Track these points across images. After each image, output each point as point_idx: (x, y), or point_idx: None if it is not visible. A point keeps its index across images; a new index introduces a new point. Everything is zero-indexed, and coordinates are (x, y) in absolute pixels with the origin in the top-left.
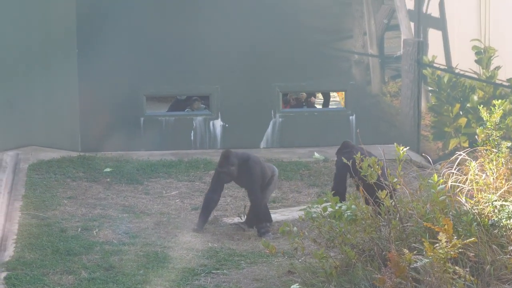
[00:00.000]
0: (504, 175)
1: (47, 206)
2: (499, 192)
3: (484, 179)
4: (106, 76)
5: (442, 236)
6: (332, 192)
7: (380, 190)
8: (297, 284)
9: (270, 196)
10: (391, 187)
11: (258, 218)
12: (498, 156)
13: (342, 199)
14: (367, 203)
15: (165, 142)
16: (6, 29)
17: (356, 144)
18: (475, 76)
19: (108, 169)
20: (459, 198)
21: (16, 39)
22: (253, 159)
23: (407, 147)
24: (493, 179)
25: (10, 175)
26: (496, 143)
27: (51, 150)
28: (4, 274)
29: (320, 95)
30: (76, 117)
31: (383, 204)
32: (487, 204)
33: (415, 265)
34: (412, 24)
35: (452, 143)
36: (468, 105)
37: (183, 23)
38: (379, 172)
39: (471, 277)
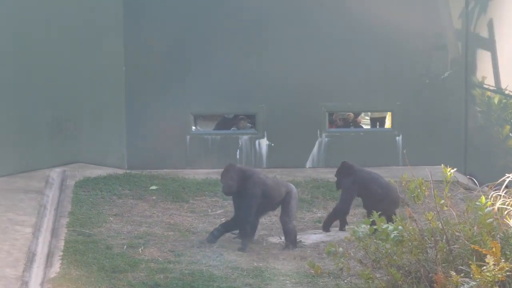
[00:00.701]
0: None
1: (93, 223)
2: None
3: None
4: (153, 94)
5: (489, 259)
6: (340, 211)
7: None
8: None
9: (294, 213)
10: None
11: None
12: None
13: (345, 216)
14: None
15: (211, 161)
16: (56, 48)
17: (402, 164)
18: None
19: (154, 187)
20: (506, 221)
21: (65, 58)
22: (255, 179)
23: (454, 169)
24: None
25: (56, 191)
26: None
27: (98, 167)
28: None
29: (367, 115)
30: (123, 134)
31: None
32: None
33: (462, 287)
34: (460, 44)
35: (500, 165)
36: None
37: (229, 41)
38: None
39: None
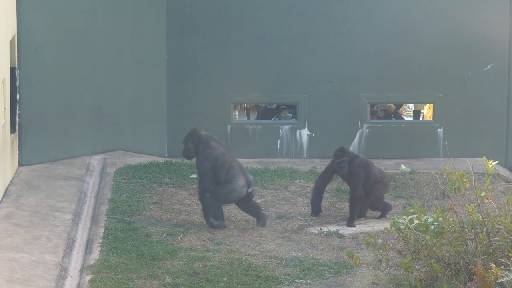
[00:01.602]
0: None
1: (133, 211)
2: None
3: None
4: (194, 82)
5: None
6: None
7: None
8: None
9: (228, 197)
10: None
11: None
12: None
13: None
14: None
15: (252, 150)
16: (98, 36)
17: (443, 156)
18: None
19: (194, 176)
20: None
21: (106, 46)
22: (208, 152)
23: (496, 161)
24: None
25: (97, 179)
26: None
27: (138, 155)
28: (89, 277)
29: (409, 107)
30: (164, 123)
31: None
32: None
33: (501, 280)
34: (503, 36)
35: None
36: None
37: (273, 31)
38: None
39: None
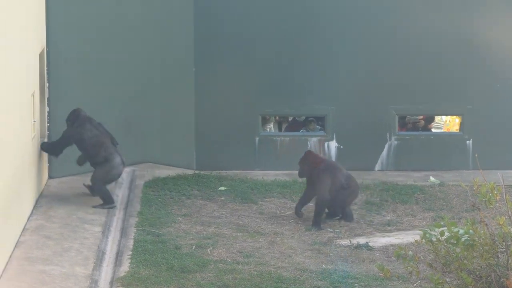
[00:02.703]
0: None
1: (162, 223)
2: None
3: None
4: (222, 95)
5: None
6: (325, 201)
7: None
8: None
9: (108, 175)
10: None
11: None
12: None
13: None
14: None
15: (280, 162)
16: (126, 49)
17: (473, 168)
18: None
19: (222, 188)
20: None
21: (136, 59)
22: (78, 130)
23: None
24: None
25: (126, 191)
26: None
27: (167, 168)
28: None
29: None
30: (192, 135)
31: None
32: None
33: None
34: None
35: None
36: None
37: (300, 43)
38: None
39: None
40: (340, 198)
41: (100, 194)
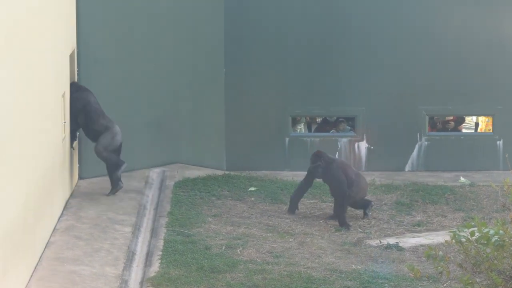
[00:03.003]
0: None
1: (192, 223)
2: None
3: None
4: (252, 95)
5: None
6: (346, 196)
7: None
8: None
9: (112, 142)
10: None
11: None
12: None
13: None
14: None
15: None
16: (157, 50)
17: (503, 169)
18: None
19: (252, 188)
20: None
21: (166, 60)
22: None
23: None
24: None
25: (156, 191)
26: None
27: (197, 168)
28: None
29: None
30: (222, 136)
31: None
32: None
33: None
34: None
35: None
36: None
37: (331, 44)
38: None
39: None
40: (350, 195)
41: (110, 160)
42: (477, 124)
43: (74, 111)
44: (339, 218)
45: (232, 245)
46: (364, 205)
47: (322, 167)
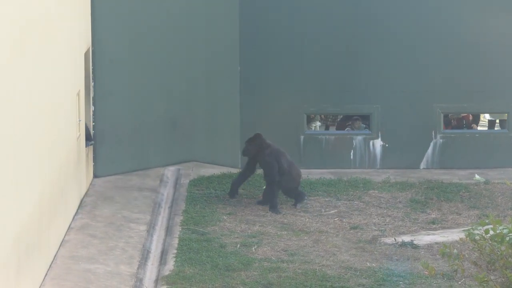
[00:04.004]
0: None
1: (207, 222)
2: None
3: None
4: (267, 94)
5: None
6: (276, 182)
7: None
8: None
9: None
10: None
11: None
12: None
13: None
14: None
15: (325, 161)
16: (171, 48)
17: None
18: None
19: None
20: None
21: (181, 58)
22: None
23: None
24: None
25: (171, 190)
26: None
27: (211, 166)
28: None
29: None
30: (237, 134)
31: None
32: None
33: None
34: None
35: None
36: None
37: (346, 42)
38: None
39: None
40: (283, 184)
41: None
42: (491, 122)
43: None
44: (271, 203)
45: (247, 243)
46: (297, 196)
47: (251, 150)
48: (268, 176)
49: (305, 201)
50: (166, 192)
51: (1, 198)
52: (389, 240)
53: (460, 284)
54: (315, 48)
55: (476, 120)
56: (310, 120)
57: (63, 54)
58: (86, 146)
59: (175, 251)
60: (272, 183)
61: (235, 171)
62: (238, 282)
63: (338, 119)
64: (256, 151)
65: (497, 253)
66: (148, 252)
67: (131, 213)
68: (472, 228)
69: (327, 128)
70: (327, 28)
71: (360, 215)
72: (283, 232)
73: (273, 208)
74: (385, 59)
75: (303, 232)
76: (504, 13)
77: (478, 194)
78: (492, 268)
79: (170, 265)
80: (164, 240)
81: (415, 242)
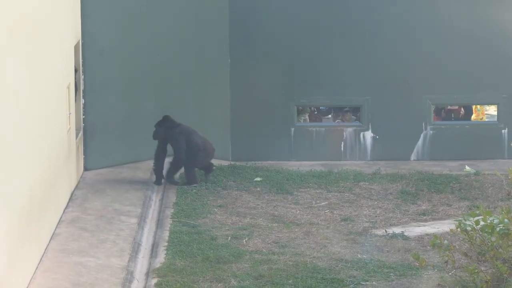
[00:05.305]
0: None
1: (197, 214)
2: None
3: None
4: (258, 86)
5: None
6: (181, 160)
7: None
8: None
9: None
10: None
11: None
12: None
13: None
14: None
15: (315, 153)
16: (161, 41)
17: (508, 157)
18: None
19: (258, 179)
20: None
21: (170, 49)
22: None
23: None
24: None
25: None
26: None
27: None
28: (155, 281)
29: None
30: (228, 126)
31: None
32: None
33: None
34: None
35: None
36: None
37: (336, 33)
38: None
39: None
40: (198, 160)
41: None
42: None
43: None
44: (188, 177)
45: (237, 236)
46: (207, 168)
47: (161, 132)
48: (176, 154)
49: (213, 170)
50: (157, 185)
51: None
52: (379, 232)
53: (450, 275)
54: (305, 40)
55: (469, 113)
56: (300, 112)
57: (53, 47)
58: None
59: (166, 243)
60: (180, 161)
61: (226, 163)
62: (229, 274)
63: (330, 116)
64: (165, 132)
65: (488, 244)
66: (139, 245)
67: (122, 206)
68: (463, 219)
69: (321, 120)
70: (317, 20)
71: (350, 207)
72: (274, 224)
73: (191, 181)
74: (375, 51)
75: (294, 224)
76: (493, 4)
77: (469, 185)
78: (483, 259)
79: (161, 257)
80: (155, 233)
81: (405, 233)
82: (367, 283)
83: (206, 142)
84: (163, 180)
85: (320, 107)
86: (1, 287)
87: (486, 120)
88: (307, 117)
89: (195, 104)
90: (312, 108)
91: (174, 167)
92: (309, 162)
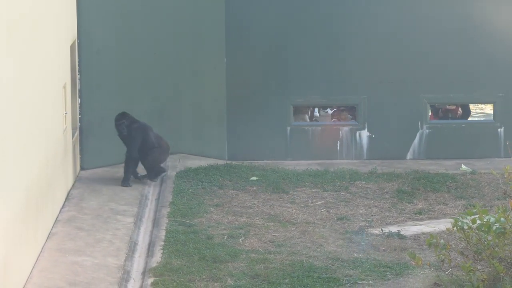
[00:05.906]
0: None
1: (194, 213)
2: None
3: None
4: (253, 85)
5: None
6: (133, 158)
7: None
8: None
9: None
10: None
11: None
12: None
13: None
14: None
15: (311, 152)
16: (157, 39)
17: (504, 156)
18: None
19: (254, 178)
20: None
21: (167, 49)
22: None
23: None
24: None
25: (157, 182)
26: None
27: (198, 158)
28: (151, 280)
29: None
30: (224, 125)
31: None
32: None
33: None
34: None
35: None
36: None
37: (332, 32)
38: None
39: None
40: (153, 156)
41: None
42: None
43: None
44: (125, 177)
45: (234, 235)
46: (159, 170)
47: (126, 125)
48: (128, 150)
49: (164, 175)
50: (153, 184)
51: None
52: (376, 231)
53: (447, 274)
54: (301, 39)
55: (467, 112)
56: (298, 112)
57: (49, 46)
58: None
59: (162, 243)
60: (130, 156)
61: (222, 162)
62: (225, 274)
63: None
64: (127, 128)
65: (484, 243)
66: (135, 244)
67: (118, 205)
68: (459, 218)
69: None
70: (313, 19)
71: (347, 206)
72: (270, 224)
73: (125, 182)
74: (371, 49)
75: (290, 223)
76: (490, 2)
77: (465, 184)
78: (479, 258)
79: (157, 257)
80: (151, 232)
81: (402, 232)
82: (363, 282)
83: (161, 140)
84: (139, 174)
85: (324, 110)
86: None
87: (482, 119)
88: (306, 117)
89: (191, 104)
90: (312, 109)
91: (126, 166)
92: (305, 161)
